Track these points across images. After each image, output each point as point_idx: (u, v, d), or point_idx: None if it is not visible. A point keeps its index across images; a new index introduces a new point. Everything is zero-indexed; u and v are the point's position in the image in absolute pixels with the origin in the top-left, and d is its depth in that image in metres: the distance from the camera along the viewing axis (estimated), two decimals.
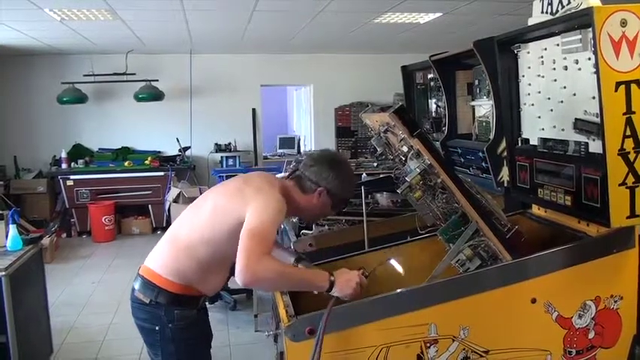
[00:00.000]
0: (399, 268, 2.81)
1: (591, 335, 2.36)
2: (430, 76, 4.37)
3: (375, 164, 8.98)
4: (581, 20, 2.30)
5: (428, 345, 2.21)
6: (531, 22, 2.78)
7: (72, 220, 8.83)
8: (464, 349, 2.24)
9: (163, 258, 2.44)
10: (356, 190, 3.93)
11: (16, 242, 3.80)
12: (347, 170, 2.55)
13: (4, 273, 3.42)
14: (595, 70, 2.22)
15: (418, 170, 2.35)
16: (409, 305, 2.21)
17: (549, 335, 2.31)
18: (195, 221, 2.44)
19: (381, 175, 5.81)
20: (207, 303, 2.70)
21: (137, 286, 2.46)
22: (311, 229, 3.88)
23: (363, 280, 2.26)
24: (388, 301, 2.22)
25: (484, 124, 3.61)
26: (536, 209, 3.00)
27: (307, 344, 2.09)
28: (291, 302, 2.34)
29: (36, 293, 4.09)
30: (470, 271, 2.38)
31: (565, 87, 2.55)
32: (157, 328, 2.41)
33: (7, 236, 3.82)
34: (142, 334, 2.52)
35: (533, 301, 2.27)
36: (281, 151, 10.29)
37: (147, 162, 9.07)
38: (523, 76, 2.89)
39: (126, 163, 9.04)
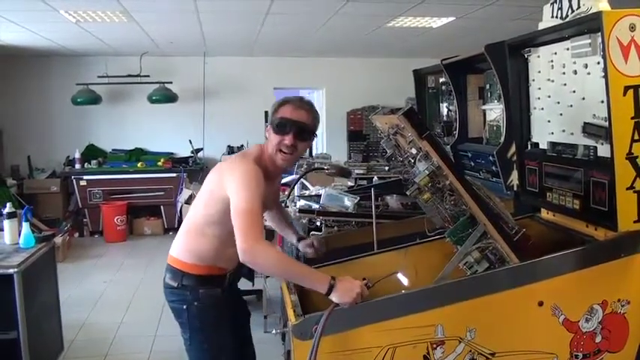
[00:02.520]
0: (405, 282, 2.82)
1: (598, 339, 2.35)
2: (442, 80, 4.38)
3: (387, 168, 8.96)
4: (591, 24, 2.31)
5: (434, 346, 2.22)
6: (542, 26, 2.78)
7: (84, 219, 8.90)
8: (470, 351, 2.24)
9: (182, 244, 2.67)
10: (365, 192, 3.96)
11: (29, 240, 3.83)
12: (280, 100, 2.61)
13: (16, 269, 3.45)
14: (604, 74, 2.23)
15: (427, 172, 2.36)
16: (416, 306, 2.22)
17: (556, 338, 2.31)
18: (198, 208, 2.64)
19: (392, 179, 5.80)
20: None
21: (166, 274, 2.70)
22: (320, 230, 3.89)
23: (365, 291, 2.22)
24: (395, 301, 2.24)
25: (495, 128, 3.61)
26: (544, 213, 3.00)
27: None
28: (300, 302, 2.37)
29: (47, 290, 4.12)
30: (478, 273, 2.40)
31: (574, 91, 2.56)
32: (184, 307, 2.62)
33: (20, 234, 3.86)
34: (175, 315, 2.71)
35: (540, 304, 2.27)
36: None
37: (159, 163, 9.14)
38: (533, 80, 2.90)
39: (139, 164, 9.10)
